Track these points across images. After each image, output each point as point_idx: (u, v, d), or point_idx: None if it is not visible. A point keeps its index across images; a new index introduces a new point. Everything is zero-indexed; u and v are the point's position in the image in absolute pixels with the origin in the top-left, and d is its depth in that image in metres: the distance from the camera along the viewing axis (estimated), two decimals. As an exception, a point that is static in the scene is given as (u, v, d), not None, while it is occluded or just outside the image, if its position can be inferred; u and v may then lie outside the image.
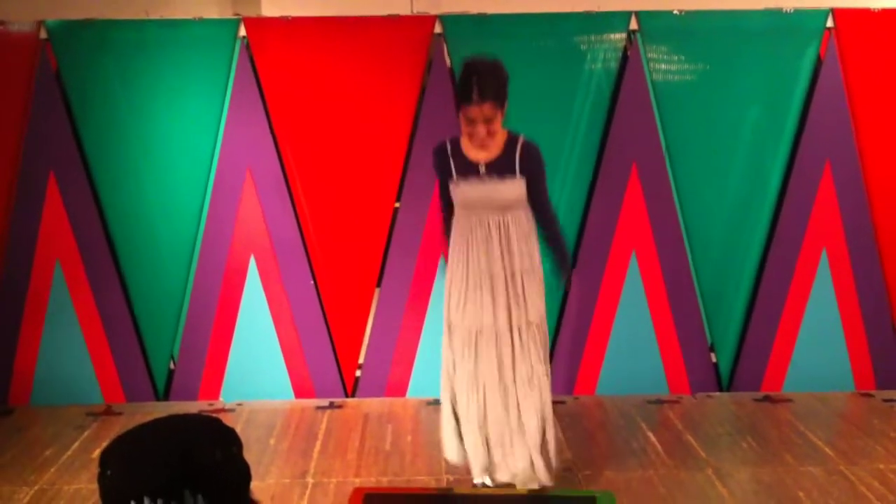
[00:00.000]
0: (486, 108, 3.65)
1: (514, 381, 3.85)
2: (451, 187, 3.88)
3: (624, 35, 5.08)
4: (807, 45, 5.09)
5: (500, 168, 3.80)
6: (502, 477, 3.93)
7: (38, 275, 5.19)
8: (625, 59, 5.11)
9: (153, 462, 1.42)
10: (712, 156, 5.17)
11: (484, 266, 3.84)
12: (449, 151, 3.87)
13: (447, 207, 4.05)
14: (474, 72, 3.68)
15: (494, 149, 3.81)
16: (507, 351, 3.85)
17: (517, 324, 3.85)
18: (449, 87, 5.08)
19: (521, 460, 3.87)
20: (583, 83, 5.08)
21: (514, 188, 3.81)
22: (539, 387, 3.85)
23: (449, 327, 3.96)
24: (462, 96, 3.68)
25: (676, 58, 5.11)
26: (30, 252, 5.16)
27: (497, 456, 3.91)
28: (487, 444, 3.92)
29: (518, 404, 3.86)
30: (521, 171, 3.81)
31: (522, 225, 3.87)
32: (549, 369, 3.94)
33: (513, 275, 3.84)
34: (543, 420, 3.87)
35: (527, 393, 3.84)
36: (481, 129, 3.69)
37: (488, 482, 3.99)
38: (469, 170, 3.82)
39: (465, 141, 3.84)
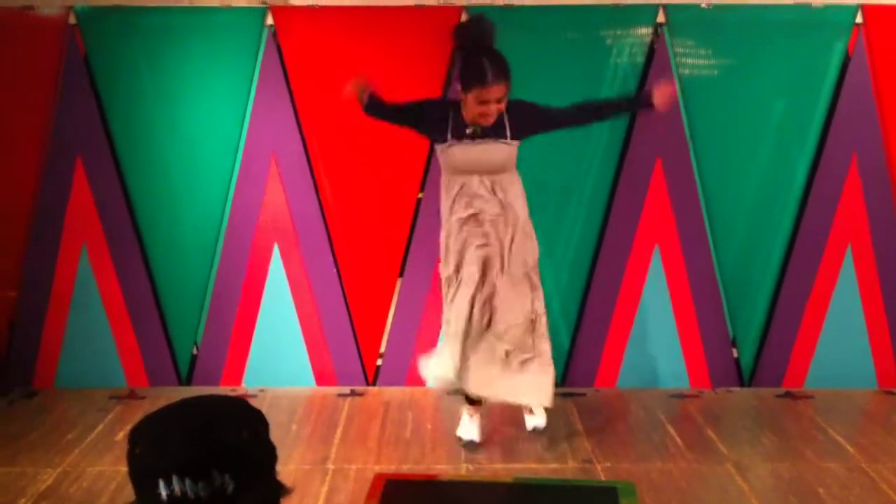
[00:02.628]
0: (502, 89, 3.87)
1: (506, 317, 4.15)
2: (442, 150, 4.09)
3: (651, 28, 5.06)
4: (835, 41, 5.05)
5: (493, 131, 4.01)
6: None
7: (64, 258, 5.23)
8: (651, 52, 5.09)
9: (181, 441, 1.44)
10: (738, 151, 5.15)
11: (479, 225, 4.09)
12: (450, 113, 4.05)
13: (394, 109, 4.19)
14: (484, 54, 3.88)
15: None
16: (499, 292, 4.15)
17: (511, 272, 4.13)
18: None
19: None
20: (608, 76, 5.06)
21: (504, 150, 4.06)
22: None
23: (447, 280, 4.24)
24: (476, 79, 3.85)
25: (703, 51, 5.09)
26: (56, 236, 5.21)
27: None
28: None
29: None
30: (517, 131, 4.03)
31: (514, 184, 4.14)
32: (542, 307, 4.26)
33: (506, 230, 4.10)
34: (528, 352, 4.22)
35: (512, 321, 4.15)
36: (493, 108, 3.90)
37: (475, 437, 4.41)
38: (464, 133, 4.02)
39: (464, 108, 4.02)
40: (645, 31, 5.06)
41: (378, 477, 3.03)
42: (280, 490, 1.54)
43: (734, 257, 5.25)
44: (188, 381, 5.36)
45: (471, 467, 4.25)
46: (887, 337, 5.29)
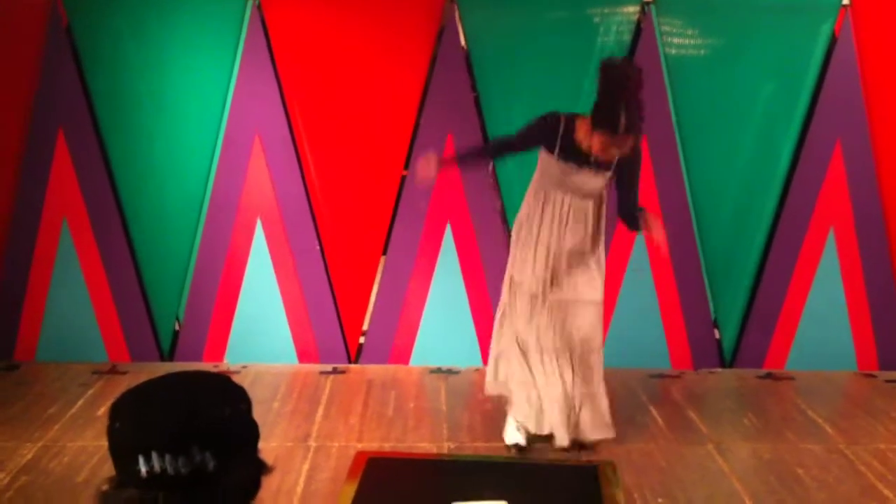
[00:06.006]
0: (628, 142, 3.78)
1: (557, 348, 4.11)
2: (547, 159, 3.99)
3: (638, 7, 5.04)
4: (822, 22, 5.05)
5: (601, 163, 3.92)
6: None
7: (45, 232, 5.19)
8: (638, 31, 5.08)
9: (162, 416, 1.42)
10: (723, 131, 5.15)
11: (555, 240, 4.04)
12: (561, 130, 3.92)
13: (505, 146, 4.18)
14: (626, 97, 3.69)
15: None
16: (559, 321, 4.10)
17: (576, 298, 4.09)
18: (460, 55, 5.06)
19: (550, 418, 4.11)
20: (595, 55, 5.03)
21: (602, 181, 3.99)
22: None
23: (510, 283, 4.20)
24: (607, 126, 3.72)
25: (690, 31, 5.08)
26: (37, 209, 5.17)
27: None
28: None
29: (559, 370, 4.11)
30: (617, 166, 3.94)
31: (599, 211, 4.07)
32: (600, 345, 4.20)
33: (582, 254, 4.07)
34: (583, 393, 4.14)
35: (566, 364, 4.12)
36: (614, 153, 3.83)
37: (522, 441, 4.18)
38: (573, 156, 3.92)
39: (580, 125, 3.89)
40: (632, 10, 5.05)
41: (359, 455, 3.02)
42: (261, 468, 1.53)
43: (717, 238, 5.26)
44: (170, 357, 5.34)
45: (452, 445, 4.26)
46: (868, 320, 5.32)
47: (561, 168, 3.95)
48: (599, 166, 3.92)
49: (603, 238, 4.14)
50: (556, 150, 3.92)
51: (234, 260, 5.26)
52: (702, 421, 4.59)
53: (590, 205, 4.03)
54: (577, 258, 4.07)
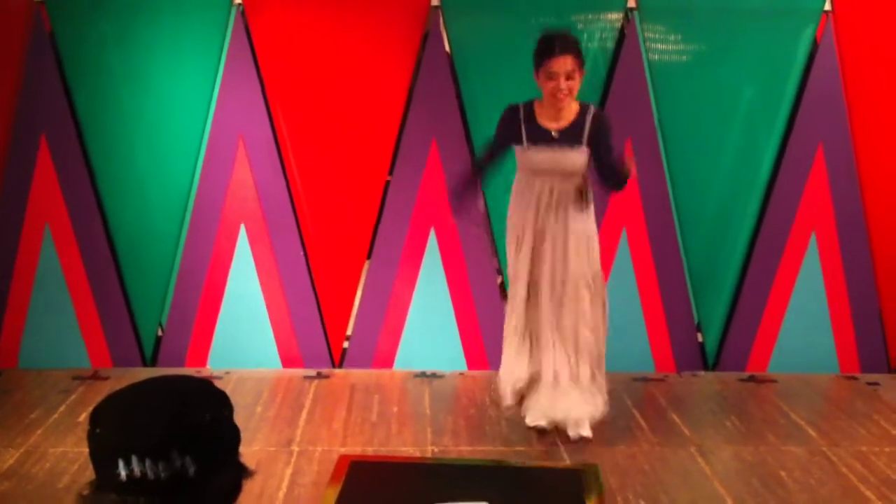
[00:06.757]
0: (568, 61, 3.91)
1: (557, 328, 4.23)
2: (519, 152, 4.13)
3: (622, 13, 5.06)
4: (804, 28, 5.08)
5: (570, 137, 4.04)
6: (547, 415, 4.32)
7: (27, 238, 5.17)
8: (621, 37, 5.10)
9: (143, 421, 1.42)
10: (705, 136, 5.17)
11: (542, 226, 4.14)
12: (521, 117, 4.08)
13: (482, 164, 4.30)
14: (553, 34, 4.00)
15: (567, 117, 4.05)
16: (553, 303, 4.20)
17: (563, 278, 4.16)
18: (444, 60, 5.07)
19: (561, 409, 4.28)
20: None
21: (581, 157, 4.08)
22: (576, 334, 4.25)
23: (510, 278, 4.38)
24: (543, 53, 3.93)
25: (673, 37, 5.10)
26: (19, 215, 5.14)
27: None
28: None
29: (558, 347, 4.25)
30: (589, 141, 4.05)
31: (585, 189, 4.16)
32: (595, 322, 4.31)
33: (566, 236, 4.13)
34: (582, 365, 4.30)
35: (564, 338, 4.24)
36: (563, 83, 3.91)
37: (542, 424, 4.33)
38: (540, 137, 4.05)
39: (539, 108, 4.08)
40: (615, 17, 5.07)
41: (342, 458, 3.02)
42: (243, 473, 1.53)
43: (700, 242, 5.28)
44: (153, 362, 5.32)
45: (436, 450, 4.25)
46: (849, 323, 5.35)
47: (534, 153, 4.07)
48: (569, 141, 4.03)
49: (593, 218, 4.23)
50: (524, 138, 4.06)
51: (217, 265, 5.24)
52: (685, 424, 4.60)
53: (573, 186, 4.11)
54: (564, 241, 4.14)
